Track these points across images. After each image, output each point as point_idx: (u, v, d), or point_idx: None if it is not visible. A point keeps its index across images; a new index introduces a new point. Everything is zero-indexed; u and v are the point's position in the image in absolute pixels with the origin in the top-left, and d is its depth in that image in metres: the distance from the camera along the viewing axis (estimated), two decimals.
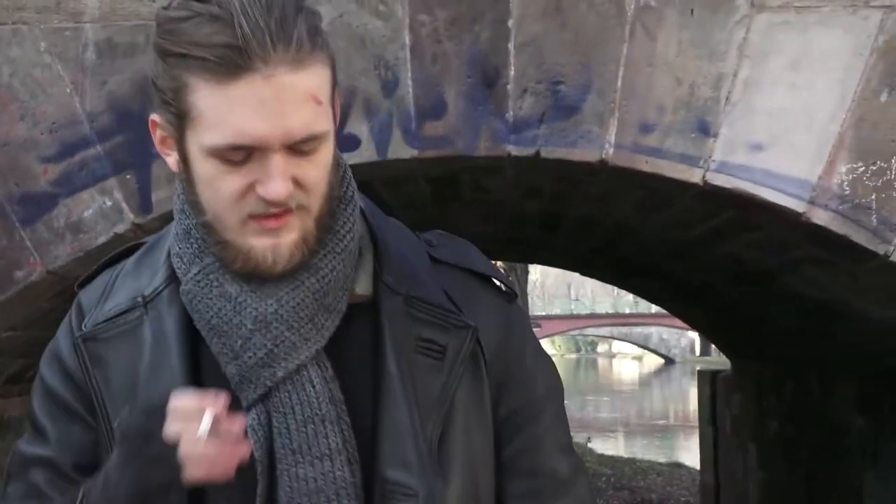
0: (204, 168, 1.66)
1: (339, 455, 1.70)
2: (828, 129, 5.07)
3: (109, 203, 5.16)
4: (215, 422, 1.65)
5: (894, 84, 5.07)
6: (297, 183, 1.65)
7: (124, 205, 5.16)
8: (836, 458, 8.31)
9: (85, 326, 1.84)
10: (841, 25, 5.10)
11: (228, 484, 1.69)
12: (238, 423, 1.67)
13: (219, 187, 1.66)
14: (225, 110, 1.61)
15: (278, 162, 1.63)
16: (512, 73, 5.10)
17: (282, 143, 1.62)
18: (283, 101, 1.61)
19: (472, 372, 1.79)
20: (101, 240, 5.16)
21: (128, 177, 5.16)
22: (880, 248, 5.06)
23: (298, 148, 1.64)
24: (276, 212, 1.65)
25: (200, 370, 1.77)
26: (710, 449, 12.16)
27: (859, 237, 5.06)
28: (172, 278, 1.81)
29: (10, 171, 5.16)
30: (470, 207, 7.02)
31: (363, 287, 1.80)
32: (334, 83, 1.70)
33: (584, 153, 5.11)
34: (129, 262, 1.91)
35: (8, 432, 6.44)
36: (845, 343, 7.49)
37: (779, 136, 5.07)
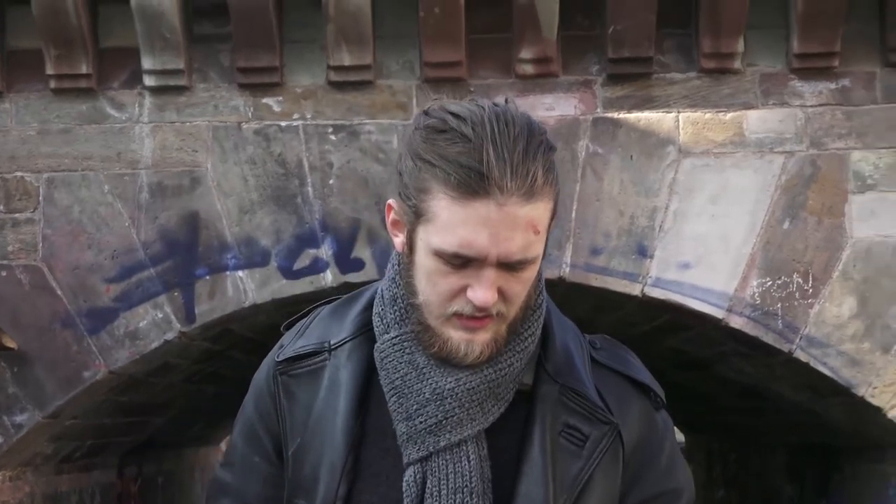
0: (426, 262, 1.81)
1: None
2: (741, 250, 6.32)
3: (161, 315, 6.36)
4: None
5: (794, 214, 6.34)
6: (502, 294, 1.80)
7: (173, 317, 6.36)
8: None
9: (279, 357, 2.01)
10: (751, 167, 6.37)
11: None
12: None
13: (436, 282, 1.81)
14: (457, 222, 1.75)
15: (490, 274, 1.77)
16: None
17: (498, 260, 1.76)
18: (508, 227, 1.74)
19: (609, 462, 1.90)
20: (154, 345, 6.35)
21: (175, 294, 6.35)
22: (785, 347, 6.29)
23: (510, 266, 1.78)
24: (479, 315, 1.81)
25: (365, 422, 1.94)
26: None
27: (768, 338, 6.29)
28: (357, 333, 1.98)
29: (79, 289, 6.34)
30: None
31: (528, 377, 1.92)
32: (554, 214, 1.83)
33: (545, 272, 6.30)
34: (327, 308, 2.06)
35: None
36: (773, 421, 8.69)
37: (702, 257, 6.32)
